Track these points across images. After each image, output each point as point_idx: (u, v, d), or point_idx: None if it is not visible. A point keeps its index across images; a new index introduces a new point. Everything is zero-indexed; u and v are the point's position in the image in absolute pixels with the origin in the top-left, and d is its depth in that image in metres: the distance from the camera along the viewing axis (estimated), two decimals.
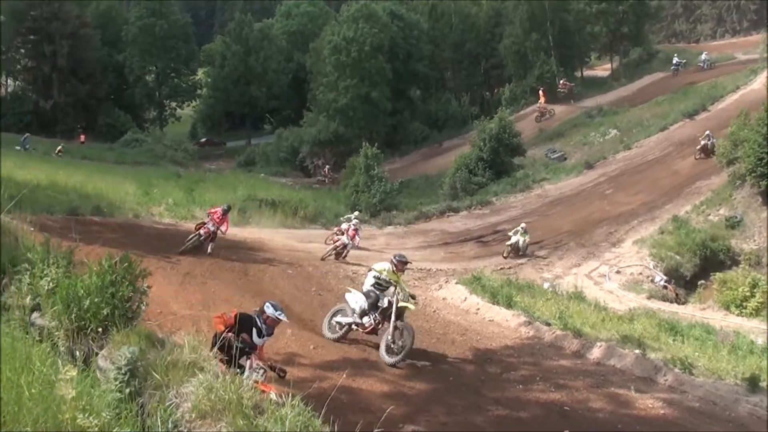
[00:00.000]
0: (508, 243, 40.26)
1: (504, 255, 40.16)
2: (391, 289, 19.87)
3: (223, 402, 9.46)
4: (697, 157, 50.92)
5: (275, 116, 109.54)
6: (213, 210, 29.91)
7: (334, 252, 33.43)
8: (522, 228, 40.48)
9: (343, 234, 34.25)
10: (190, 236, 28.54)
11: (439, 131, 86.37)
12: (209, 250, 28.34)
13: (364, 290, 20.22)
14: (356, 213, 34.90)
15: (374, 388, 15.99)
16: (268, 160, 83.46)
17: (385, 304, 19.47)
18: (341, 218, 33.64)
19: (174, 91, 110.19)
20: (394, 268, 20.29)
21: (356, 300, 20.14)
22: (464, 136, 76.39)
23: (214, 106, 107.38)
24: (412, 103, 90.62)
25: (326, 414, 9.58)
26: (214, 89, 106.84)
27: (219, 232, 28.95)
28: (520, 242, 40.09)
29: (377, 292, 19.83)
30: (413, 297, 20.93)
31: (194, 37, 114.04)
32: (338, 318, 20.22)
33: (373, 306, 19.66)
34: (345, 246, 33.64)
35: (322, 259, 32.56)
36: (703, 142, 50.35)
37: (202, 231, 28.57)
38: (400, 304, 19.43)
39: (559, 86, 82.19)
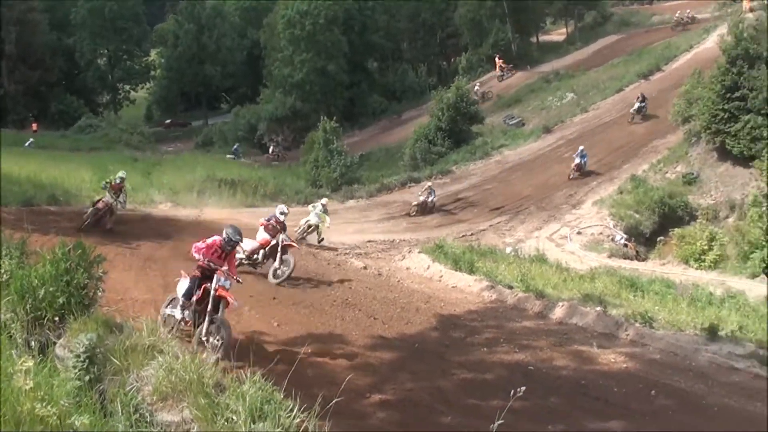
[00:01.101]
0: (415, 203, 43.40)
1: (411, 213, 42.97)
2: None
3: (184, 382, 9.46)
4: (572, 176, 47.52)
5: (231, 94, 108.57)
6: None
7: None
8: (429, 186, 44.16)
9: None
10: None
11: (398, 103, 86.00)
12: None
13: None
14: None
15: (339, 361, 15.99)
16: (226, 140, 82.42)
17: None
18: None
19: (127, 73, 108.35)
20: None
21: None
22: (422, 106, 76.26)
23: (169, 87, 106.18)
24: (369, 76, 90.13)
25: (291, 388, 9.56)
26: (167, 70, 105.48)
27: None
28: (429, 200, 43.14)
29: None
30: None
31: (145, 18, 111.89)
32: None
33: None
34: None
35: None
36: (576, 160, 47.40)
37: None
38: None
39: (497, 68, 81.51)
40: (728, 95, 43.11)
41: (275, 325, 18.24)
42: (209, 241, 15.99)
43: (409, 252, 30.86)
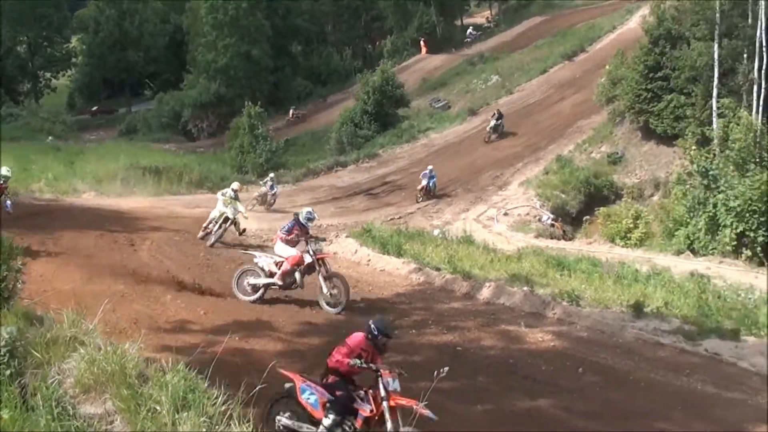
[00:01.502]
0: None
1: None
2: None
3: (106, 374, 9.08)
4: (420, 199, 42.25)
5: (155, 81, 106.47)
6: None
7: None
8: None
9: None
10: None
11: (323, 86, 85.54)
12: None
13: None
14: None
15: (268, 348, 15.85)
16: (150, 127, 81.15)
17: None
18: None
19: (48, 60, 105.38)
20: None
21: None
22: (348, 90, 75.85)
23: (91, 74, 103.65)
24: (293, 59, 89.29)
25: (218, 377, 9.31)
26: (89, 56, 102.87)
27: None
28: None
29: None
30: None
31: (66, 3, 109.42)
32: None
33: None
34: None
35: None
36: (423, 182, 42.00)
37: None
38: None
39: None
40: (651, 75, 43.73)
41: (202, 314, 17.96)
42: (352, 343, 12.03)
43: (337, 236, 30.85)
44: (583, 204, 40.81)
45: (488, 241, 31.44)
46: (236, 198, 28.36)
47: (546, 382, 15.63)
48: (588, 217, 39.84)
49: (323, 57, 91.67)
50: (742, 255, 30.28)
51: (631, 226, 35.87)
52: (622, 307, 20.55)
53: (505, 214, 39.21)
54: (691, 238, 32.25)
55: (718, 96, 39.33)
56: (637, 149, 44.81)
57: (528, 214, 39.43)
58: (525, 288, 21.99)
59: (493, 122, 51.29)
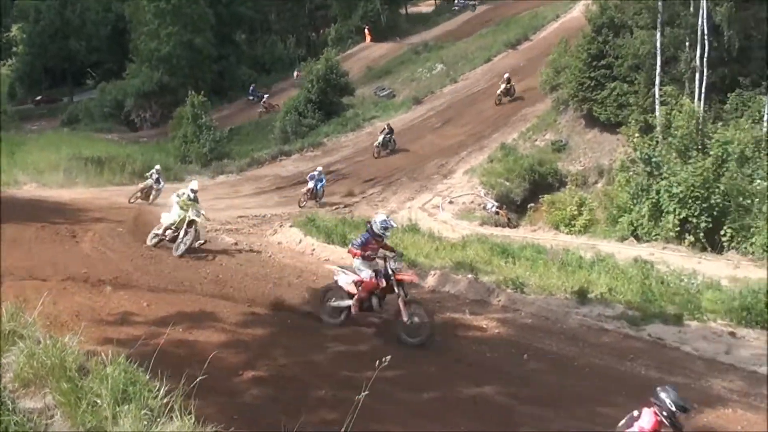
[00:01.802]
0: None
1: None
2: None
3: (46, 368, 8.88)
4: (302, 204, 38.50)
5: (97, 70, 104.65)
6: None
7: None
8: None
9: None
10: None
11: (267, 75, 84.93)
12: None
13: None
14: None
15: (212, 339, 15.60)
16: (92, 117, 79.88)
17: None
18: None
19: None
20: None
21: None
22: (292, 78, 75.47)
23: (32, 63, 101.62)
24: (237, 48, 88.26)
25: (161, 369, 9.14)
26: (30, 46, 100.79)
27: None
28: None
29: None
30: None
31: None
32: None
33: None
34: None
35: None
36: (310, 184, 38.91)
37: None
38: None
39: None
40: (594, 63, 43.99)
41: (145, 305, 17.61)
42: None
43: (281, 226, 30.49)
44: (528, 192, 41.00)
45: (433, 230, 31.40)
46: (195, 200, 25.21)
47: (491, 369, 15.68)
48: (532, 204, 40.02)
49: (267, 45, 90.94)
50: (685, 241, 30.57)
51: (575, 213, 36.15)
52: (566, 293, 20.73)
53: (450, 202, 39.20)
54: (635, 225, 32.50)
55: (661, 84, 39.64)
56: (581, 137, 45.12)
57: (473, 202, 39.47)
58: (470, 276, 22.10)
59: (381, 137, 48.37)
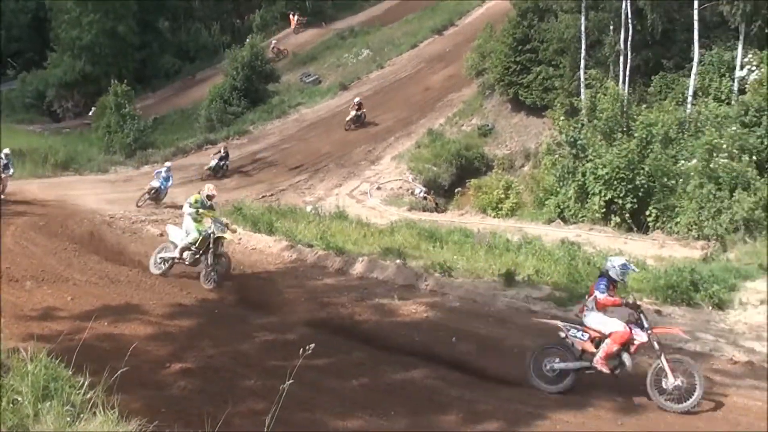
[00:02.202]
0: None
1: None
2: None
3: None
4: (140, 204, 34.18)
5: (17, 60, 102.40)
6: None
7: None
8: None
9: None
10: None
11: (191, 63, 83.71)
12: None
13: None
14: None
15: (138, 332, 15.50)
16: (13, 107, 77.98)
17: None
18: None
19: None
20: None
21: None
22: (217, 66, 74.44)
23: None
24: (161, 36, 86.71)
25: (85, 364, 9.14)
26: None
27: None
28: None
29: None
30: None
31: None
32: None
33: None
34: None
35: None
36: (154, 184, 34.91)
37: None
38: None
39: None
40: (520, 48, 44.08)
41: (69, 300, 17.38)
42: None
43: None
44: (455, 176, 41.04)
45: (361, 216, 31.60)
46: (211, 208, 21.48)
47: (420, 353, 15.66)
48: (459, 189, 40.15)
49: (191, 33, 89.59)
50: (611, 221, 31.01)
51: (503, 196, 36.25)
52: (494, 276, 21.02)
53: (378, 188, 39.22)
54: (561, 207, 32.91)
55: (586, 67, 39.89)
56: (507, 121, 45.30)
57: (401, 187, 39.61)
58: (398, 261, 22.24)
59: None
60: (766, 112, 30.61)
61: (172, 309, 17.65)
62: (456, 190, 40.18)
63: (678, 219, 29.51)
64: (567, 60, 41.57)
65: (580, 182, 32.18)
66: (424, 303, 19.21)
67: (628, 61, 38.34)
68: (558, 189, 33.50)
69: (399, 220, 31.14)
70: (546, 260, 22.96)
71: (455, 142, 43.33)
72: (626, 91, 37.27)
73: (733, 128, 30.09)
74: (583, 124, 35.67)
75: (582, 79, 39.83)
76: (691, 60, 36.66)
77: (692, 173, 29.75)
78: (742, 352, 16.82)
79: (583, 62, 39.89)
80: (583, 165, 32.47)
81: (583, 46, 39.80)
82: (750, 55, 36.16)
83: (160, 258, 20.79)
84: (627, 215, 30.82)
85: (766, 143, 29.18)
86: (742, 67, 36.12)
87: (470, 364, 15.19)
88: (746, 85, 35.12)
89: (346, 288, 20.72)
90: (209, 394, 12.53)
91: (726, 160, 28.74)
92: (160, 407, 11.38)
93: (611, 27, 39.75)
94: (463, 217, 34.73)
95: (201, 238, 20.07)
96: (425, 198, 38.04)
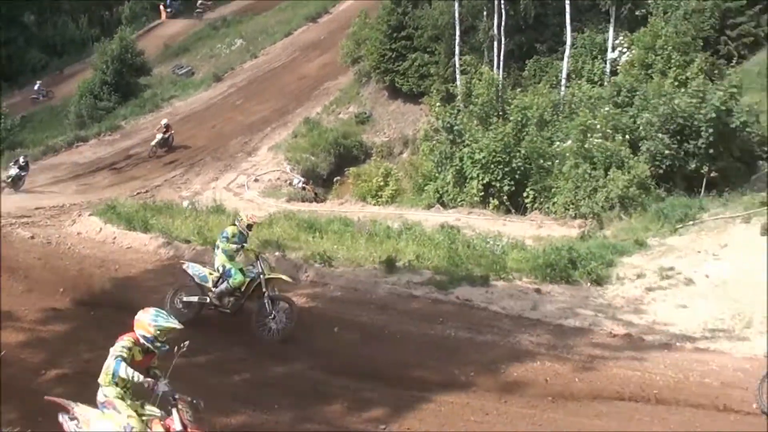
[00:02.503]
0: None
1: None
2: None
3: None
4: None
5: None
6: None
7: None
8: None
9: None
10: None
11: (59, 58, 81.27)
12: None
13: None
14: None
15: (10, 339, 15.15)
16: None
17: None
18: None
19: None
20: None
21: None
22: (86, 60, 72.36)
23: None
24: (26, 30, 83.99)
25: None
26: None
27: None
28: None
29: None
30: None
31: None
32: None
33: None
34: None
35: None
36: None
37: None
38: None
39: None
40: (395, 35, 44.13)
41: None
42: None
43: (80, 216, 28.87)
44: (334, 165, 40.93)
45: (240, 209, 30.46)
46: (245, 239, 17.58)
47: (302, 344, 15.74)
48: (339, 177, 40.10)
49: (58, 26, 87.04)
50: (490, 204, 31.29)
51: (382, 184, 36.44)
52: (374, 264, 20.98)
53: (256, 180, 38.60)
54: (440, 192, 33.02)
55: (461, 53, 40.20)
56: (385, 108, 45.39)
57: (279, 178, 39.09)
58: (277, 253, 22.05)
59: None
60: (637, 92, 31.50)
61: (46, 314, 17.19)
62: (335, 179, 40.08)
63: (555, 199, 30.00)
64: (442, 46, 41.90)
65: (458, 167, 32.29)
66: (305, 294, 19.06)
67: (502, 46, 38.93)
68: (436, 174, 33.59)
69: (278, 212, 30.63)
70: (426, 245, 23.01)
71: (333, 130, 43.09)
72: (501, 75, 37.78)
73: (606, 109, 30.82)
74: (459, 110, 36.00)
75: (457, 65, 40.18)
76: (564, 43, 37.58)
77: (567, 154, 30.32)
78: (621, 325, 17.46)
79: (458, 48, 40.19)
80: (461, 150, 32.62)
81: (458, 32, 40.11)
82: (621, 38, 37.47)
83: (183, 302, 17.01)
84: (505, 197, 31.13)
85: (638, 122, 29.80)
86: (613, 49, 37.34)
87: (353, 353, 15.36)
88: (618, 67, 36.42)
89: None
90: (86, 399, 11.76)
91: (600, 140, 29.31)
92: (37, 416, 11.26)
93: (485, 12, 40.31)
94: (342, 206, 34.53)
95: (247, 281, 16.56)
96: (304, 188, 37.78)
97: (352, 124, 44.38)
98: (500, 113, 34.42)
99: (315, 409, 13.16)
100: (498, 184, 31.15)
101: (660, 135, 28.02)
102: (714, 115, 27.31)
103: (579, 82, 36.20)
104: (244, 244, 17.03)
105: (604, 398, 13.99)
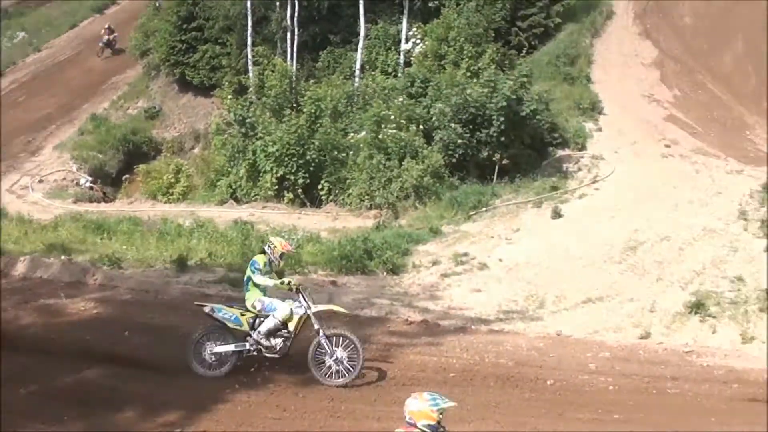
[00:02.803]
0: None
1: None
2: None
3: None
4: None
5: None
6: None
7: None
8: None
9: None
10: None
11: None
12: None
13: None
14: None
15: None
16: None
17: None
18: None
19: None
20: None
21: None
22: None
23: None
24: None
25: None
26: None
27: None
28: None
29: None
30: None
31: None
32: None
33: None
34: None
35: None
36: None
37: None
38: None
39: None
40: (185, 26, 43.12)
41: None
42: None
43: None
44: (123, 163, 39.80)
45: (23, 212, 29.90)
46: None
47: (93, 351, 15.27)
48: (128, 176, 39.06)
49: None
50: (284, 198, 31.10)
51: (173, 180, 35.69)
52: (165, 263, 20.75)
53: (40, 181, 37.08)
54: (234, 187, 32.66)
55: (253, 44, 39.84)
56: (175, 102, 44.38)
57: (65, 178, 37.67)
58: (63, 257, 21.45)
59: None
60: (430, 83, 32.05)
61: None
62: (124, 178, 39.02)
63: (350, 191, 30.10)
64: (234, 38, 41.34)
65: (251, 161, 31.95)
66: (93, 299, 18.64)
67: (296, 37, 38.74)
68: (229, 169, 33.18)
69: (64, 214, 29.83)
70: (219, 242, 22.92)
71: (121, 126, 41.79)
72: (294, 67, 37.69)
73: (400, 99, 31.36)
74: (251, 102, 35.60)
75: (249, 56, 39.76)
76: (358, 34, 37.83)
77: (362, 145, 30.59)
78: (417, 312, 17.90)
79: (250, 39, 39.75)
80: (253, 143, 32.27)
81: (250, 23, 39.65)
82: (414, 29, 38.13)
83: (214, 353, 14.58)
84: (300, 190, 30.99)
85: (431, 113, 30.26)
86: (407, 41, 37.98)
87: (145, 357, 14.98)
88: (411, 58, 36.98)
89: (8, 291, 19.37)
90: None
91: (394, 131, 29.72)
92: None
93: (278, 3, 40.01)
94: (132, 205, 33.87)
95: (296, 318, 14.40)
96: (92, 188, 36.62)
97: (142, 120, 43.14)
98: (294, 105, 34.27)
99: (107, 418, 12.75)
100: (292, 177, 30.95)
101: (453, 125, 28.50)
102: (505, 103, 27.96)
103: (373, 73, 36.65)
104: (261, 273, 14.54)
105: (402, 385, 14.04)
